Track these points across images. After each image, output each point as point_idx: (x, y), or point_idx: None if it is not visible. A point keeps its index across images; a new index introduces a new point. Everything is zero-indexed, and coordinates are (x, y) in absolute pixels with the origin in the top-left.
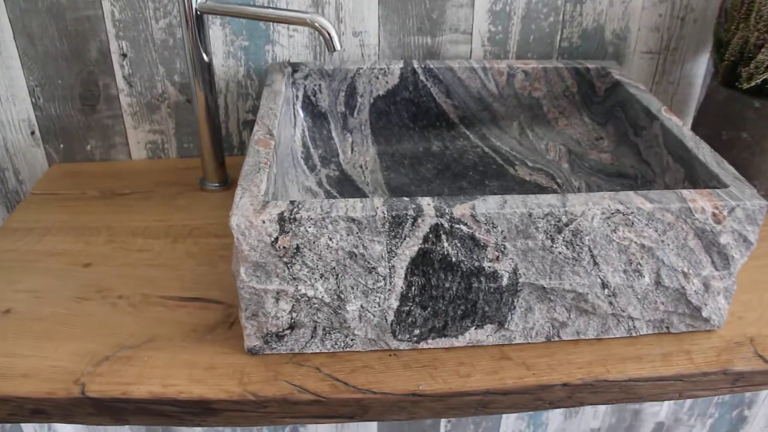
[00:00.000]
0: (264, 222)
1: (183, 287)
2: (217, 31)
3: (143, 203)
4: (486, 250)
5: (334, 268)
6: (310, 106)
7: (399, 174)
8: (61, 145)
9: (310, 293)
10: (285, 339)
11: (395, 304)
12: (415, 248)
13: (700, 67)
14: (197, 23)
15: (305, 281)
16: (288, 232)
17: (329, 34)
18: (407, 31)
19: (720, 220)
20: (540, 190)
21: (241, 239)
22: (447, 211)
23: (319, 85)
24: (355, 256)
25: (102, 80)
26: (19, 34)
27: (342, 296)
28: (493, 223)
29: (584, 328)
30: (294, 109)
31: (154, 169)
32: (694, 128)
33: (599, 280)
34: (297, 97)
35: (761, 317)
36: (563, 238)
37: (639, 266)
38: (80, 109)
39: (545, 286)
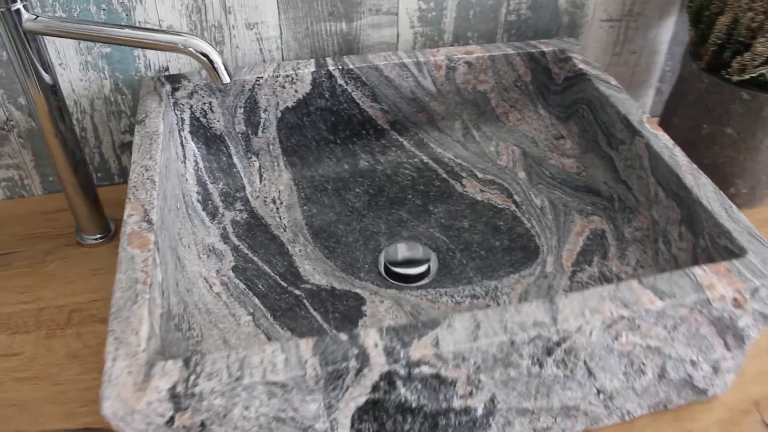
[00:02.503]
0: (150, 404)
1: (68, 412)
2: None
3: (3, 274)
4: (455, 386)
5: None
6: (201, 129)
7: (322, 207)
8: None
9: None
10: None
11: None
12: (363, 399)
13: (666, 33)
14: (26, 41)
15: None
16: (187, 409)
17: (213, 63)
18: (316, 16)
19: (741, 305)
20: (495, 213)
21: (122, 426)
22: (402, 355)
23: (209, 104)
24: (283, 420)
25: None
26: None
27: None
28: (463, 357)
29: (571, 426)
30: (180, 137)
31: (17, 214)
32: (668, 117)
33: (594, 390)
34: (182, 121)
35: (762, 370)
36: (554, 359)
37: (642, 366)
38: None
39: (529, 407)
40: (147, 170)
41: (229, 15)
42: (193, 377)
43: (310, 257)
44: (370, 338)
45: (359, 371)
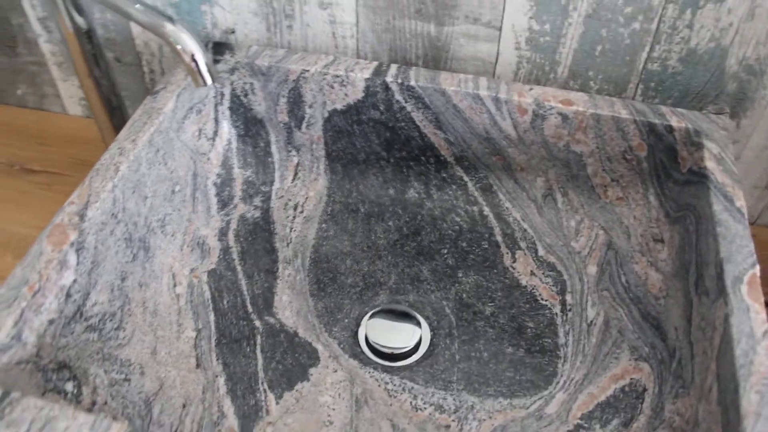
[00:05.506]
0: None
1: None
2: None
3: (42, 195)
4: None
5: None
6: (240, 108)
7: (342, 232)
8: None
9: None
10: None
11: None
12: None
13: None
14: None
15: None
16: None
17: (195, 62)
18: (399, 10)
19: None
20: (531, 308)
21: None
22: None
23: (251, 84)
24: None
25: (14, 19)
26: None
27: None
28: None
29: None
30: (216, 112)
31: (85, 137)
32: None
33: None
34: (222, 95)
35: None
36: None
37: None
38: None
39: None
40: (121, 153)
41: None
42: None
43: (295, 288)
44: None
45: None
